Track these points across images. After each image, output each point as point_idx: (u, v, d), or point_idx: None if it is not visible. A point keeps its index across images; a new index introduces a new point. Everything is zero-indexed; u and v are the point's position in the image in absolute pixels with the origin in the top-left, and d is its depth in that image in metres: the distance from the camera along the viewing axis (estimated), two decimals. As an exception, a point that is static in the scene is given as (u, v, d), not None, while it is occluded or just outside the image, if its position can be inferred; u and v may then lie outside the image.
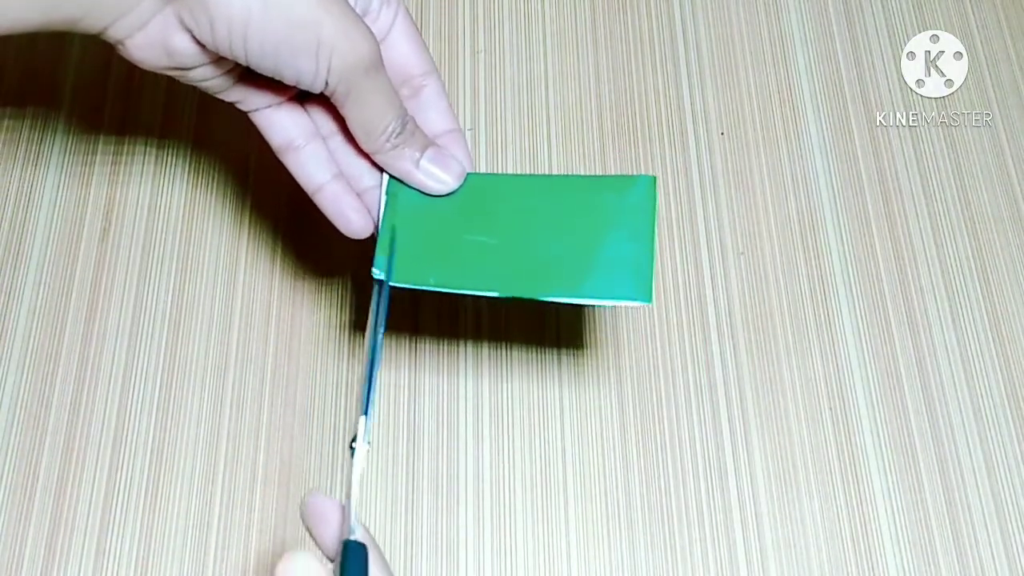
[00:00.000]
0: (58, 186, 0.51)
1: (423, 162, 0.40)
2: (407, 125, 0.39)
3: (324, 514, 0.34)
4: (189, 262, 0.50)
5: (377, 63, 0.37)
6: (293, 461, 0.46)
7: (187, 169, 0.52)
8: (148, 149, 0.53)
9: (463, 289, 0.38)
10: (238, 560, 0.44)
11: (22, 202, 0.51)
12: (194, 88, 0.39)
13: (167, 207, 0.51)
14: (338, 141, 0.41)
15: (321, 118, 0.41)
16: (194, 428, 0.47)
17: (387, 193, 0.40)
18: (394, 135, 0.39)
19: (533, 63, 0.56)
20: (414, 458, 0.46)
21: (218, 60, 0.38)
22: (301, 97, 0.41)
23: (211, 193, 0.52)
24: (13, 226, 0.50)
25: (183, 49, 0.36)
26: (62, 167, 0.52)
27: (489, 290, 0.38)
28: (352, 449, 0.35)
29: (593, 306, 0.38)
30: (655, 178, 0.40)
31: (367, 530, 0.34)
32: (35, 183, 0.52)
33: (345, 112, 0.38)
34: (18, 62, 0.54)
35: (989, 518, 0.46)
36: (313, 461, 0.46)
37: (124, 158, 0.52)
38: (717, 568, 0.45)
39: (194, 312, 0.49)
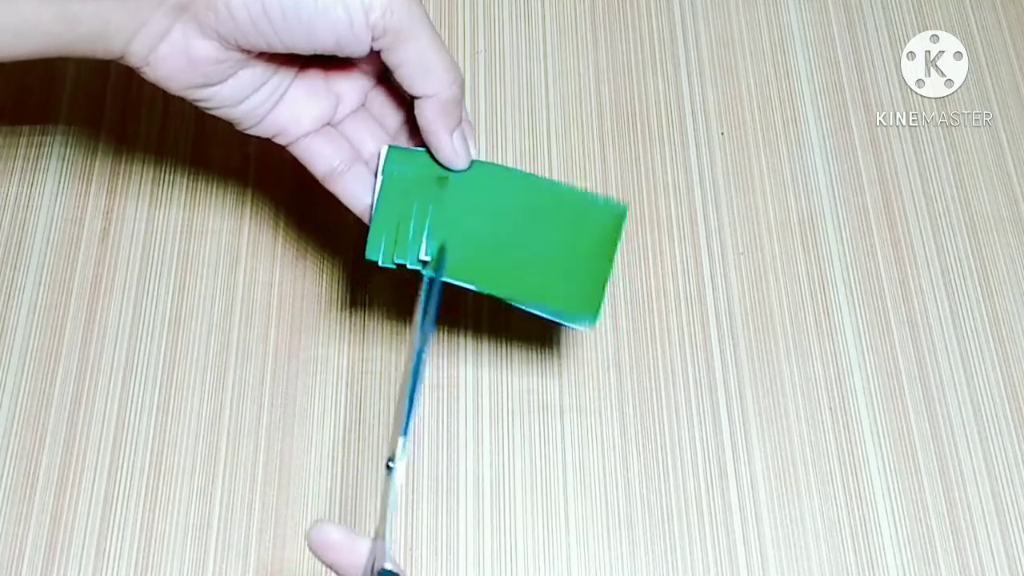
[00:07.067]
0: (58, 186, 0.51)
1: (456, 133, 0.40)
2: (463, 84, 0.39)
3: (328, 543, 0.33)
4: (189, 262, 0.50)
5: None
6: (293, 461, 0.46)
7: (187, 168, 0.52)
8: (148, 148, 0.53)
9: (449, 277, 0.39)
10: (238, 560, 0.44)
11: (22, 202, 0.51)
12: None
13: (167, 206, 0.51)
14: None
15: (358, 135, 0.41)
16: (194, 428, 0.47)
17: (383, 173, 0.40)
18: (458, 81, 0.38)
19: (533, 63, 0.56)
20: (414, 458, 0.46)
21: (246, 64, 0.37)
22: (337, 120, 0.41)
23: (211, 192, 0.52)
24: (13, 226, 0.50)
25: (207, 55, 0.36)
26: (62, 167, 0.52)
27: (470, 281, 0.39)
28: (389, 468, 0.34)
29: (541, 317, 0.39)
30: (625, 209, 0.41)
31: (395, 559, 0.33)
32: (35, 183, 0.52)
33: (400, 58, 0.37)
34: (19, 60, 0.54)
35: (989, 518, 0.46)
36: (313, 461, 0.46)
37: (124, 157, 0.52)
38: (717, 568, 0.45)
39: (194, 312, 0.49)
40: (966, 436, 0.48)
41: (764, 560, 0.45)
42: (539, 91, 0.55)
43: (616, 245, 0.41)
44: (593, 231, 0.41)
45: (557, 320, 0.40)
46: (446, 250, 0.39)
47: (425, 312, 0.37)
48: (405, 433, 0.34)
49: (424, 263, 0.39)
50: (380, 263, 0.39)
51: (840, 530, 0.46)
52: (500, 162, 0.53)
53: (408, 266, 0.39)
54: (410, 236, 0.39)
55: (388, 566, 0.32)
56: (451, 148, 0.40)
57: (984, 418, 0.48)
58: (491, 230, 0.40)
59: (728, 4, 0.58)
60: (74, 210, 0.51)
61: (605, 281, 0.40)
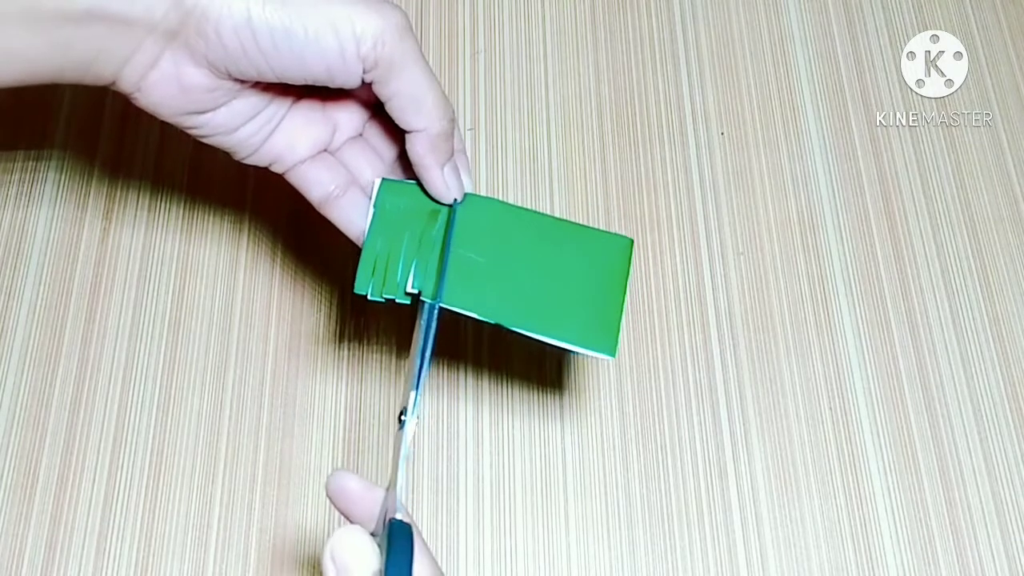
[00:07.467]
0: (58, 185, 0.51)
1: (447, 167, 0.40)
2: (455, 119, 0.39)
3: (346, 491, 0.34)
4: (189, 262, 0.50)
5: (409, 28, 0.36)
6: (293, 461, 0.46)
7: (187, 167, 0.52)
8: (149, 148, 0.53)
9: (448, 304, 0.38)
10: (238, 560, 0.44)
11: (22, 202, 0.51)
12: None
13: (167, 206, 0.51)
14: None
15: (355, 162, 0.41)
16: (194, 428, 0.47)
17: (374, 206, 0.40)
18: (448, 116, 0.38)
19: (533, 63, 0.56)
20: (414, 458, 0.46)
21: (239, 94, 0.37)
22: (335, 146, 0.41)
23: (211, 192, 0.52)
24: (14, 226, 0.50)
25: (198, 83, 0.35)
26: (63, 166, 0.52)
27: (471, 310, 0.39)
28: (401, 422, 0.35)
29: (560, 348, 0.39)
30: (632, 241, 0.41)
31: (406, 509, 0.34)
32: (35, 183, 0.52)
33: (391, 91, 0.37)
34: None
35: (989, 518, 0.46)
36: (313, 461, 0.46)
37: (124, 157, 0.52)
38: (717, 568, 0.45)
39: (194, 312, 0.49)
40: (966, 436, 0.48)
41: (764, 560, 0.45)
42: (539, 91, 0.55)
43: (626, 277, 0.40)
44: (599, 264, 0.40)
45: (573, 348, 0.39)
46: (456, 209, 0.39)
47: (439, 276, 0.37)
48: (417, 387, 0.35)
49: (412, 296, 0.39)
50: (369, 297, 0.39)
51: (840, 530, 0.46)
52: (501, 162, 0.53)
53: (396, 300, 0.39)
54: (399, 270, 0.39)
55: (399, 515, 0.32)
56: (442, 182, 0.39)
57: (984, 418, 0.48)
58: (491, 263, 0.40)
59: (728, 4, 0.58)
60: (74, 210, 0.51)
61: (620, 311, 0.39)
